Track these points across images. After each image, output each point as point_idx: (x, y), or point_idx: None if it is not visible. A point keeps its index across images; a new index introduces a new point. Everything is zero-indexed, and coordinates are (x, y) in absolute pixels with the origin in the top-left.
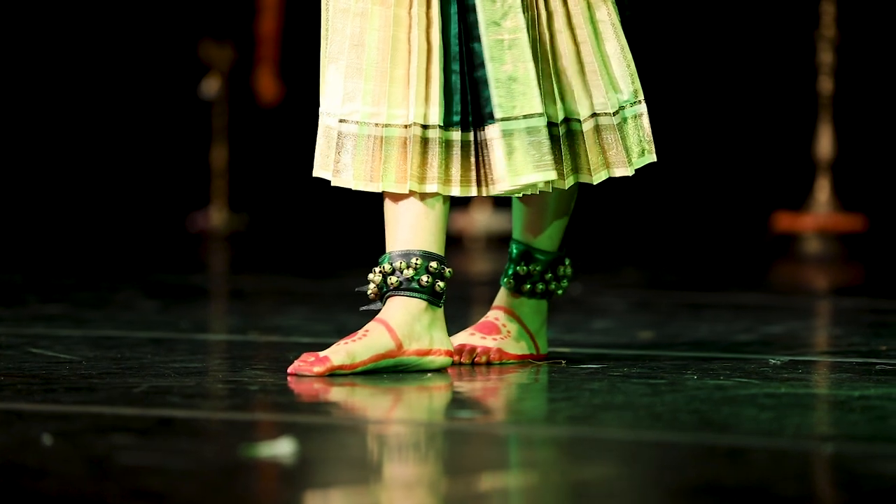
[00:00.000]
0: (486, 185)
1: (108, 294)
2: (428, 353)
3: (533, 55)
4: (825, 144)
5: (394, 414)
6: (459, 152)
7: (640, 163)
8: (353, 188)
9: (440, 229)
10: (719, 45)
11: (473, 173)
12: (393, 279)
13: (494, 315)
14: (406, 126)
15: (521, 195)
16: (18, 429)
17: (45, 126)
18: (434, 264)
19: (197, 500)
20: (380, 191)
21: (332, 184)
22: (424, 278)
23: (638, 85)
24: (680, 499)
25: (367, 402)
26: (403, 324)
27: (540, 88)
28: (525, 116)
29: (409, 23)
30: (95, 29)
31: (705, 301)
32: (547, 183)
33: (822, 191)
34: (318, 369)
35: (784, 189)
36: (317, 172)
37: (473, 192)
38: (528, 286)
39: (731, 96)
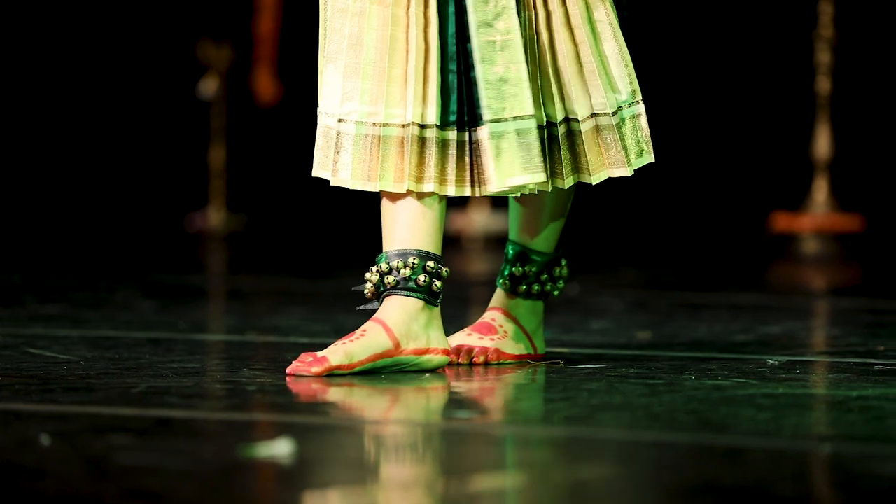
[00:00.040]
0: (479, 186)
1: (106, 294)
2: (425, 352)
3: (528, 56)
4: (823, 144)
5: (392, 414)
6: (455, 152)
7: (638, 163)
8: (351, 188)
9: (437, 229)
10: (717, 45)
11: (467, 173)
12: (390, 278)
13: (491, 316)
14: (403, 126)
15: (517, 195)
16: (16, 429)
17: (43, 126)
18: (431, 264)
19: (195, 500)
20: (377, 190)
21: (331, 183)
22: (422, 278)
23: (636, 85)
24: (678, 499)
25: (365, 402)
26: (401, 323)
27: (533, 90)
28: (515, 118)
29: (407, 22)
30: (93, 29)
31: (703, 301)
32: (538, 184)
33: (820, 191)
34: (316, 370)
35: (782, 189)
36: (316, 172)
37: (467, 192)
38: (524, 287)
39: (729, 96)
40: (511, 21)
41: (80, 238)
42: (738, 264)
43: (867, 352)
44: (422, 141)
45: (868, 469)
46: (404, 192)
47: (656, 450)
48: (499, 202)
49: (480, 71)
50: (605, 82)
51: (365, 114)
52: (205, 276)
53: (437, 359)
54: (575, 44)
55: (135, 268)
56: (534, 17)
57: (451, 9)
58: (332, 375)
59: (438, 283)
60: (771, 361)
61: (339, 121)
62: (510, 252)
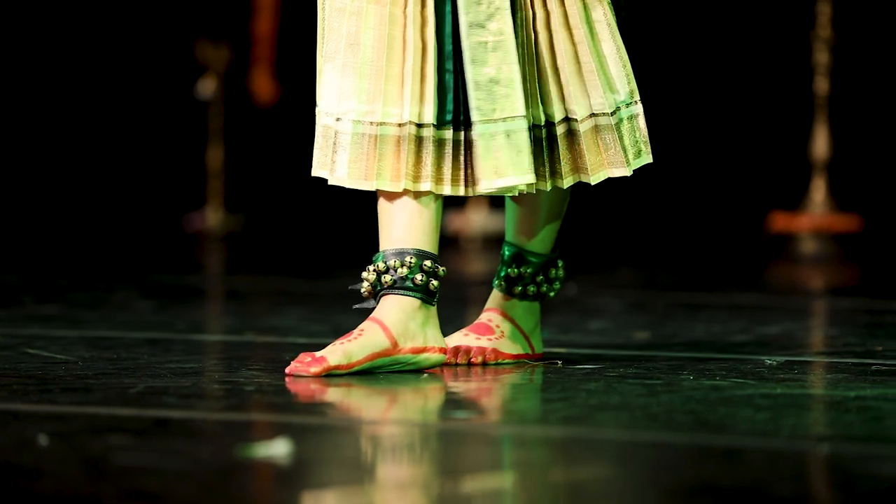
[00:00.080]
0: (471, 185)
1: (105, 294)
2: (423, 350)
3: (522, 57)
4: (821, 145)
5: (389, 414)
6: (451, 151)
7: (636, 164)
8: (348, 186)
9: (434, 228)
10: (715, 45)
11: (462, 172)
12: (387, 278)
13: (488, 317)
14: (400, 125)
15: (515, 195)
16: (14, 429)
17: (41, 126)
18: (428, 263)
19: (193, 500)
20: (374, 189)
21: (329, 182)
22: (419, 277)
23: (634, 85)
24: (676, 499)
25: (363, 402)
26: (398, 322)
27: (529, 90)
28: (504, 119)
29: (404, 21)
30: (92, 29)
31: (701, 301)
32: (529, 185)
33: (818, 191)
34: (314, 370)
35: (780, 189)
36: (315, 172)
37: (462, 191)
38: (520, 288)
39: (727, 97)
40: (504, 22)
41: (79, 238)
42: (736, 264)
43: (865, 352)
44: (419, 140)
45: (866, 469)
46: (401, 191)
47: (654, 450)
48: (497, 202)
49: (470, 72)
50: (603, 82)
51: (362, 112)
52: (203, 276)
53: (434, 357)
54: (573, 44)
55: (133, 268)
56: (531, 17)
57: (448, 8)
58: (331, 375)
59: (435, 283)
60: (769, 362)
61: (337, 120)
62: (506, 253)
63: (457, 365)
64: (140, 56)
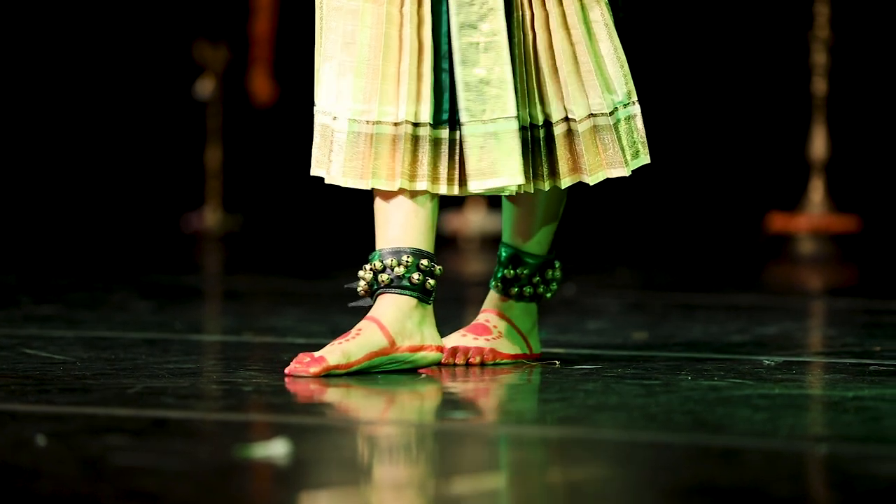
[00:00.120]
0: (465, 185)
1: (102, 295)
2: (420, 349)
3: (518, 57)
4: (819, 145)
5: (388, 415)
6: (447, 150)
7: (634, 164)
8: (343, 185)
9: (430, 227)
10: (713, 45)
11: (457, 172)
12: (384, 277)
13: (485, 317)
14: (396, 124)
15: (512, 196)
16: (12, 430)
17: (39, 127)
18: (425, 262)
19: (191, 500)
20: (369, 188)
21: (325, 181)
22: (415, 276)
23: (632, 86)
24: (674, 500)
25: (361, 403)
26: (395, 321)
27: (523, 90)
28: (494, 120)
29: (401, 21)
30: (90, 30)
31: (699, 302)
32: (522, 185)
33: (816, 191)
34: (314, 370)
35: (778, 190)
36: (314, 171)
37: (456, 191)
38: (516, 289)
39: (725, 97)
40: (497, 22)
41: (77, 238)
42: (734, 265)
43: (863, 352)
44: (415, 139)
45: (864, 469)
46: (396, 189)
47: (652, 450)
48: (495, 202)
49: (460, 73)
50: (601, 83)
51: (358, 111)
52: (201, 276)
53: (431, 356)
54: (572, 44)
55: (131, 268)
56: (528, 17)
57: (445, 7)
58: (330, 375)
59: (432, 282)
60: (767, 362)
61: (334, 119)
62: (503, 254)
63: (455, 365)
64: (138, 56)
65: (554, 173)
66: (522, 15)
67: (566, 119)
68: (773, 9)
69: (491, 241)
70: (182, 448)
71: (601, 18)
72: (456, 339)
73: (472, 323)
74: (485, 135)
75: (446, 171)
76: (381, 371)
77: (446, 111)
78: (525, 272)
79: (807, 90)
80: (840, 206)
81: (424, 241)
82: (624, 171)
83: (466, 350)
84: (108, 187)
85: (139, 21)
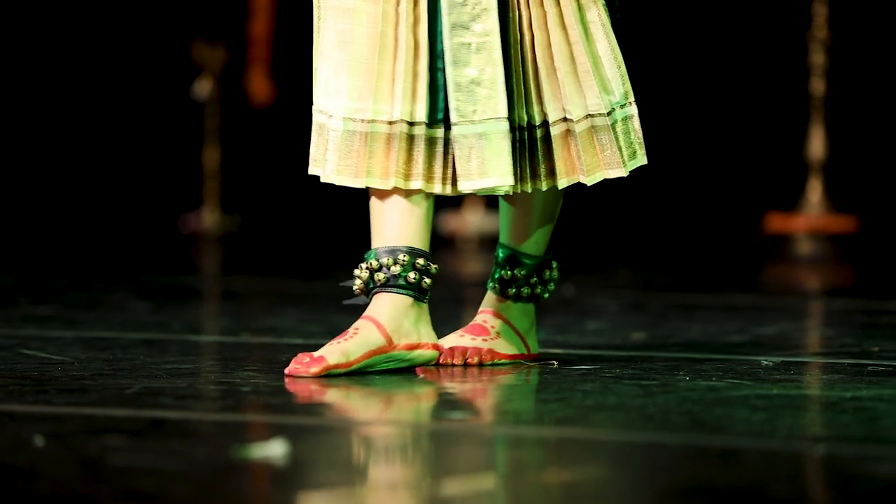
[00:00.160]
0: (456, 184)
1: (101, 295)
2: (416, 346)
3: (514, 57)
4: (817, 145)
5: (385, 415)
6: (442, 149)
7: (631, 165)
8: (338, 184)
9: (425, 225)
10: (711, 46)
11: (451, 171)
12: (380, 276)
13: (482, 318)
14: (391, 123)
15: (510, 197)
16: (10, 430)
17: (36, 127)
18: (421, 261)
19: (189, 501)
20: (363, 187)
21: (321, 180)
22: (412, 275)
23: (629, 86)
24: (672, 500)
25: (359, 403)
26: (392, 320)
27: (517, 91)
28: (484, 121)
29: (397, 20)
30: (87, 30)
31: (697, 302)
32: (511, 186)
33: (814, 192)
34: (314, 370)
35: (776, 190)
36: (311, 170)
37: (449, 190)
38: (514, 290)
39: (723, 97)
40: (490, 23)
41: (74, 239)
42: (732, 265)
43: (861, 353)
44: (410, 138)
45: (862, 470)
46: (390, 188)
47: (651, 451)
48: (493, 203)
49: (451, 73)
50: (598, 83)
51: (353, 110)
52: (199, 277)
53: (427, 354)
54: (569, 44)
55: (129, 269)
56: (526, 17)
57: (440, 6)
58: (329, 375)
59: (428, 280)
60: (765, 362)
61: (329, 117)
62: (500, 255)
63: (453, 366)
64: (136, 56)
65: (551, 173)
66: (520, 15)
67: (564, 119)
68: (772, 9)
69: (489, 242)
70: (180, 448)
71: (598, 19)
72: (454, 340)
73: (470, 324)
74: (475, 135)
75: (441, 170)
76: (378, 371)
77: (441, 110)
78: (522, 273)
79: (805, 90)
80: (838, 207)
81: (420, 240)
82: (622, 172)
83: (464, 350)
84: (107, 188)
85: (137, 21)
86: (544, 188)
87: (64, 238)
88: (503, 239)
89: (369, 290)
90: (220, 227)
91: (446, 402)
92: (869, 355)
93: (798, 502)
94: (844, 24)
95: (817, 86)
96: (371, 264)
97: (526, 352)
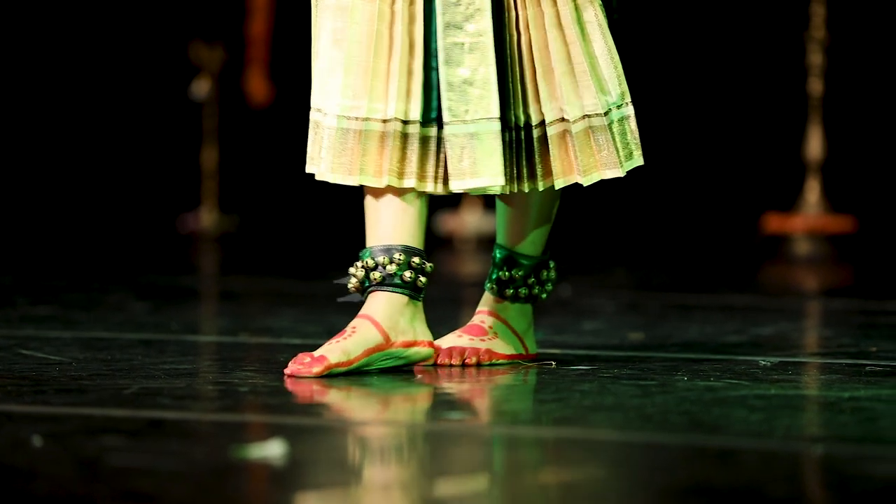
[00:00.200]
0: (448, 183)
1: (99, 295)
2: (413, 344)
3: (509, 58)
4: (815, 146)
5: (384, 416)
6: (435, 148)
7: (627, 166)
8: (331, 181)
9: (420, 223)
10: (709, 46)
11: (443, 170)
12: (376, 275)
13: (480, 318)
14: (385, 121)
15: (506, 197)
16: (8, 430)
17: (35, 127)
18: (416, 260)
19: (187, 501)
20: (357, 184)
21: (316, 177)
22: (407, 274)
23: (625, 87)
24: (670, 500)
25: (357, 403)
26: (388, 318)
27: (512, 91)
28: (476, 121)
29: (392, 18)
30: (85, 30)
31: (695, 302)
32: (503, 186)
33: (812, 192)
34: (316, 369)
35: (774, 190)
36: (308, 168)
37: (440, 189)
38: (511, 291)
39: (721, 98)
40: (483, 23)
41: (73, 239)
42: (730, 265)
43: (859, 353)
44: (404, 137)
45: (860, 470)
46: (383, 186)
47: (649, 451)
48: (491, 203)
49: (443, 73)
50: (595, 83)
51: (347, 108)
52: (197, 277)
53: (423, 351)
54: (566, 44)
55: (127, 269)
56: (523, 17)
57: (436, 5)
58: (330, 375)
59: (423, 279)
60: (763, 362)
61: (324, 115)
62: (497, 256)
63: (451, 366)
64: (134, 57)
65: (548, 174)
66: (517, 15)
67: (561, 119)
68: (769, 9)
69: (487, 242)
70: (178, 449)
71: (595, 19)
72: (451, 340)
73: (468, 324)
74: (466, 135)
75: (433, 169)
76: (376, 371)
77: (435, 109)
78: (520, 273)
79: (803, 91)
80: (836, 207)
81: (415, 238)
82: (619, 172)
83: (462, 351)
84: (105, 188)
85: (135, 22)
86: (541, 188)
87: (62, 238)
88: (500, 239)
89: (364, 288)
90: (219, 227)
91: (444, 403)
92: (867, 355)
93: (796, 502)
94: (842, 24)
95: (815, 86)
96: (367, 263)
97: (524, 352)
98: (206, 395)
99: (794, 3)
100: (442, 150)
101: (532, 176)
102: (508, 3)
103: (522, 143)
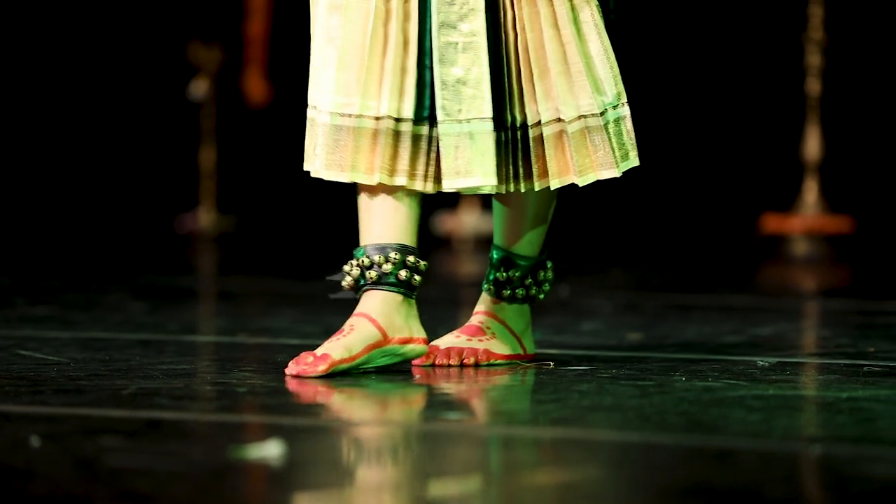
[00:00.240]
0: (441, 183)
1: (97, 296)
2: (409, 341)
3: (503, 58)
4: (813, 146)
5: (382, 416)
6: (426, 147)
7: (623, 166)
8: (325, 178)
9: (413, 221)
10: (707, 46)
11: (434, 168)
12: (372, 274)
13: (478, 319)
14: (378, 118)
15: (502, 198)
16: (7, 431)
17: (33, 127)
18: (411, 258)
19: (185, 501)
20: (348, 181)
21: (311, 174)
22: (403, 273)
23: (621, 87)
24: (668, 500)
25: (355, 404)
26: (384, 315)
27: (507, 92)
28: (470, 120)
29: (387, 15)
30: (84, 31)
31: (693, 303)
32: (495, 186)
33: (810, 192)
34: (322, 367)
35: (772, 191)
36: (305, 165)
37: (431, 188)
38: (509, 292)
39: (719, 98)
40: (477, 23)
41: (71, 239)
42: (728, 266)
43: (857, 353)
44: (396, 135)
45: (858, 470)
46: (375, 183)
47: (647, 451)
48: (490, 203)
49: (437, 72)
50: (591, 83)
51: (339, 105)
52: (195, 277)
53: (418, 348)
54: (562, 44)
55: (125, 269)
56: (520, 17)
57: (430, 3)
58: (333, 373)
59: (418, 278)
60: (761, 363)
61: (319, 112)
62: (494, 256)
63: (449, 366)
64: (132, 57)
65: (544, 174)
66: (514, 15)
67: (558, 120)
68: (767, 10)
69: (485, 242)
70: (176, 449)
71: (591, 19)
72: (449, 341)
73: (466, 324)
74: (459, 134)
75: (424, 167)
76: (375, 372)
77: (427, 108)
78: (517, 274)
79: (801, 91)
80: (834, 207)
81: (408, 236)
82: (615, 172)
83: (460, 351)
84: (103, 188)
85: (133, 22)
86: (537, 188)
87: (60, 239)
88: (497, 240)
89: (360, 287)
90: (217, 227)
91: (442, 403)
92: (865, 356)
93: (794, 503)
94: (840, 25)
95: (813, 86)
96: (362, 262)
97: (522, 352)
98: (205, 395)
99: (793, 5)
100: (433, 148)
101: (528, 176)
102: (504, 3)
103: (518, 143)
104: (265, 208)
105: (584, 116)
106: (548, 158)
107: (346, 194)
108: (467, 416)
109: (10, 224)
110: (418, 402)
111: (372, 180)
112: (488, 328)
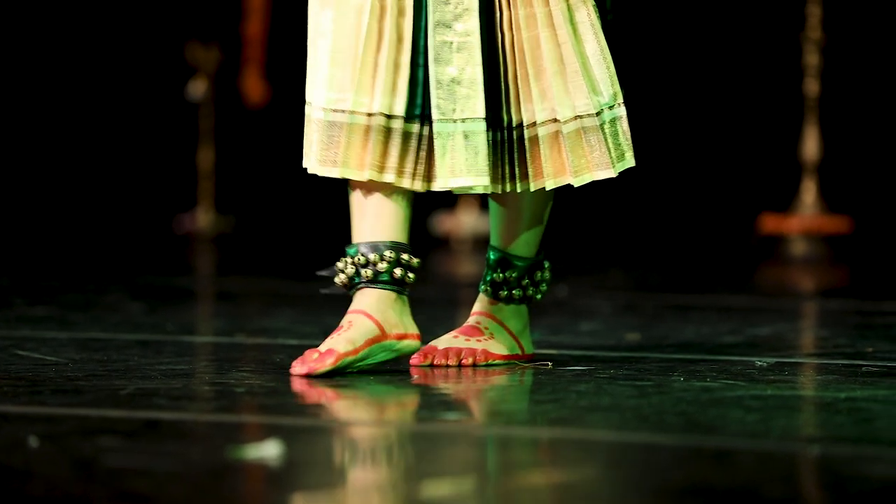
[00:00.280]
0: (430, 182)
1: (95, 296)
2: (404, 336)
3: (499, 58)
4: (811, 146)
5: (380, 416)
6: (415, 145)
7: (619, 167)
8: (320, 174)
9: (405, 219)
10: (706, 46)
11: (423, 167)
12: (367, 272)
13: (476, 319)
14: (370, 115)
15: (498, 198)
16: (5, 431)
17: (31, 128)
18: (405, 256)
19: (183, 502)
20: (339, 176)
21: (308, 171)
22: (397, 271)
23: (618, 88)
24: (666, 501)
25: (353, 404)
26: (380, 311)
27: (502, 92)
28: (464, 120)
29: (381, 11)
30: (82, 31)
31: (692, 303)
32: (486, 186)
33: (809, 192)
34: (330, 361)
35: (770, 191)
36: (304, 162)
37: (419, 186)
38: (506, 292)
39: (717, 98)
40: (471, 23)
41: (69, 240)
42: (726, 266)
43: (855, 353)
44: (387, 132)
45: (856, 471)
46: (365, 179)
47: (645, 451)
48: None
49: (433, 71)
50: (587, 83)
51: (332, 100)
52: (193, 277)
53: (413, 344)
54: (558, 44)
55: (123, 270)
56: (516, 17)
57: (426, 2)
58: (332, 373)
59: (411, 276)
60: (759, 363)
61: (313, 108)
62: (491, 257)
63: (447, 366)
64: (130, 57)
65: (539, 174)
66: (509, 15)
67: (553, 120)
68: (766, 10)
69: (483, 243)
70: (174, 449)
71: (587, 19)
72: (447, 341)
73: (463, 325)
74: (453, 134)
75: (413, 166)
76: (373, 372)
77: (419, 106)
78: (514, 275)
79: (799, 91)
80: (832, 208)
81: (401, 234)
82: (611, 173)
83: (458, 351)
84: (101, 188)
85: (131, 22)
86: (532, 189)
87: (59, 239)
88: (494, 241)
89: (354, 285)
90: (215, 227)
91: (440, 403)
92: (863, 356)
93: (792, 503)
94: (838, 25)
95: (811, 86)
96: (357, 260)
97: (520, 352)
98: (203, 395)
99: (791, 4)
100: (423, 147)
101: (523, 176)
102: (499, 3)
103: (514, 143)
104: (263, 209)
105: (580, 117)
106: (543, 159)
107: (345, 194)
108: (465, 416)
109: (10, 224)
110: (416, 402)
111: (363, 176)
112: (486, 328)
